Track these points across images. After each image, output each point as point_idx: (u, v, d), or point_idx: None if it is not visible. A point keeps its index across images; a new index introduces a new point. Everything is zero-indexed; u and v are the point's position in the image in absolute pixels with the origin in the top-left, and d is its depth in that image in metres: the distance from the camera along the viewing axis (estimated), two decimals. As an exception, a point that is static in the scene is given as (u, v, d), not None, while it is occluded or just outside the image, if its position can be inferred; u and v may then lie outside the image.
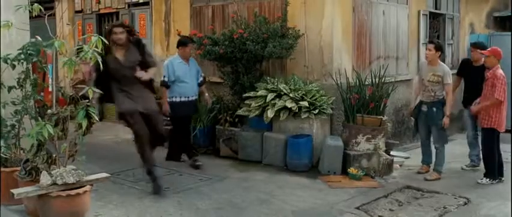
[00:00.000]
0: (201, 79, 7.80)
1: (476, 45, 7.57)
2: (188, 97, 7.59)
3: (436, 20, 10.84)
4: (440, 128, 7.16)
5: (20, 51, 4.34)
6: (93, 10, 11.88)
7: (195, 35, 8.35)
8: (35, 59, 4.32)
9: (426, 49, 7.44)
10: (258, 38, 7.65)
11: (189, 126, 8.01)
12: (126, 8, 11.06)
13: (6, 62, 4.42)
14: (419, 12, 9.97)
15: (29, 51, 4.29)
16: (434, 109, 7.17)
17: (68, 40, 11.78)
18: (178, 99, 7.56)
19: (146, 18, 10.71)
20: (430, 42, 7.49)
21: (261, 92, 7.59)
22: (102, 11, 11.71)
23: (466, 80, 7.73)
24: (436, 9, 10.67)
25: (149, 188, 6.29)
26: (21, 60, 4.36)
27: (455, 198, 6.31)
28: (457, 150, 8.20)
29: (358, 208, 5.90)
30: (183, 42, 7.68)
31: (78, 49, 3.91)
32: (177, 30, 9.28)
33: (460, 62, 8.60)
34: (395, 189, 6.68)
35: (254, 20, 8.06)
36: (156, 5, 10.39)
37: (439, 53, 7.21)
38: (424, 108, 7.24)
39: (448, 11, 11.07)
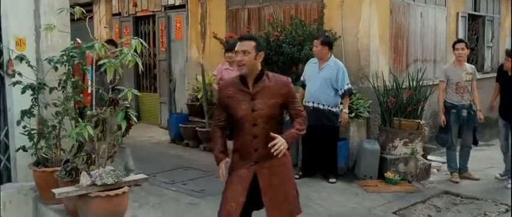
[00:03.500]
0: (342, 90, 6.83)
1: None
2: (319, 104, 6.84)
3: (475, 22, 10.65)
4: (475, 127, 7.18)
5: (63, 53, 4.41)
6: (130, 13, 12.03)
7: (231, 38, 8.36)
8: (76, 61, 4.37)
9: (457, 49, 7.13)
10: (294, 40, 7.63)
11: (324, 141, 6.92)
12: (163, 10, 11.16)
13: (50, 64, 4.50)
14: (458, 14, 9.81)
15: (71, 54, 4.35)
16: (472, 112, 7.13)
17: (106, 42, 11.94)
18: (306, 104, 6.84)
19: (182, 21, 10.79)
20: (460, 41, 7.35)
21: (297, 95, 7.53)
22: (139, 14, 11.85)
23: (501, 88, 7.38)
24: (475, 11, 10.48)
25: (185, 190, 6.31)
26: (64, 63, 4.43)
27: (496, 205, 6.16)
28: (496, 155, 8.00)
29: (395, 213, 5.83)
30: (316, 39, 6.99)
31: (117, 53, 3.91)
32: (213, 32, 9.36)
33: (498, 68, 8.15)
34: (433, 195, 6.57)
35: (290, 23, 8.04)
36: (193, 8, 10.46)
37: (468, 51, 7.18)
38: (464, 113, 7.08)
39: (488, 13, 10.86)
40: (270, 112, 3.68)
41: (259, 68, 3.70)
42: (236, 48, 3.68)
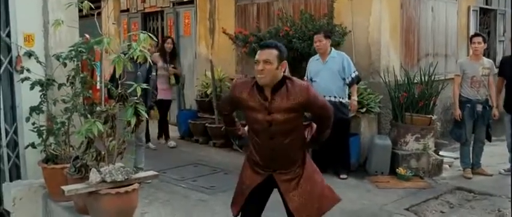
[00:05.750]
0: (349, 79, 6.82)
1: None
2: (331, 96, 6.65)
3: (486, 16, 10.54)
4: (489, 122, 7.09)
5: (72, 49, 4.38)
6: (139, 9, 11.99)
7: (241, 33, 8.29)
8: (85, 56, 4.34)
9: (473, 43, 7.06)
10: (304, 35, 7.55)
11: (337, 135, 6.42)
12: (171, 6, 11.11)
13: (58, 60, 4.47)
14: (469, 8, 9.70)
15: (79, 49, 4.31)
16: (487, 107, 7.04)
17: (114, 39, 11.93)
18: None
19: (191, 16, 10.74)
20: (477, 35, 7.24)
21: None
22: (147, 10, 11.81)
23: (508, 81, 7.19)
24: (486, 4, 10.37)
25: (195, 186, 6.27)
26: (72, 58, 4.40)
27: (510, 201, 6.06)
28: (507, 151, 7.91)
29: (407, 209, 5.75)
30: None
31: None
32: (222, 28, 9.30)
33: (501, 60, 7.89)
34: (446, 191, 6.48)
35: (300, 17, 7.96)
36: (201, 4, 10.39)
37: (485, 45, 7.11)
38: (479, 108, 6.99)
39: (499, 7, 10.74)
40: (289, 127, 3.36)
41: (280, 77, 3.31)
42: (256, 57, 3.32)
